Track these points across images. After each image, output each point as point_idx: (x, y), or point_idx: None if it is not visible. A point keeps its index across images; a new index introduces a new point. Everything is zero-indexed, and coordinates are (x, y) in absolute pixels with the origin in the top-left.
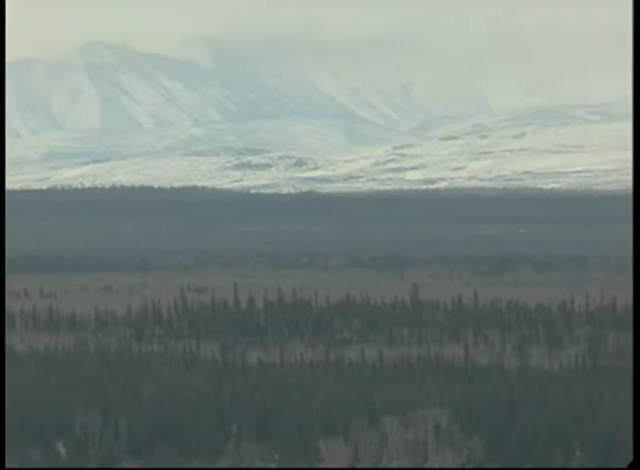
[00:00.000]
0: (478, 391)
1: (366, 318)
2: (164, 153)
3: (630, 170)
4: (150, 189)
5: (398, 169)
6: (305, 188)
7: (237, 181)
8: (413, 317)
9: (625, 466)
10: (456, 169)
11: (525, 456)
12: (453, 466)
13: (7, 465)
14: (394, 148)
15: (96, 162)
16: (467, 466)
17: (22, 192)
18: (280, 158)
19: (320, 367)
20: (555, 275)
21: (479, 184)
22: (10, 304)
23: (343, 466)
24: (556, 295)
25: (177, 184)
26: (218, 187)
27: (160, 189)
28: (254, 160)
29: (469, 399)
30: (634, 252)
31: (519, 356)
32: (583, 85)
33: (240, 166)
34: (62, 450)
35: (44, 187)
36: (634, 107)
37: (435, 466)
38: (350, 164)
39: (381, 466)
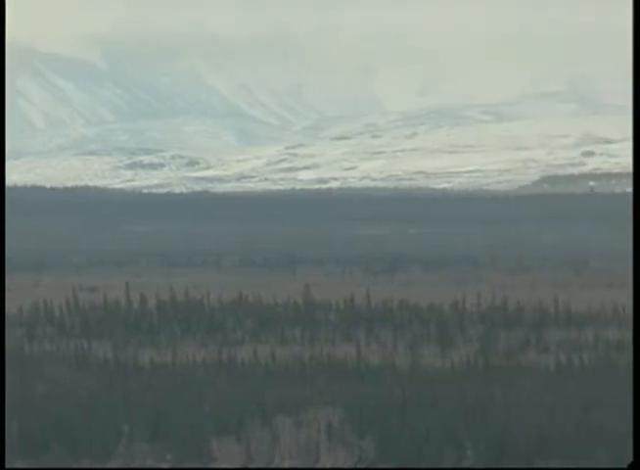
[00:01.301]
0: (370, 390)
1: (258, 318)
2: (56, 152)
3: (522, 170)
4: (42, 189)
5: (291, 169)
6: (198, 188)
7: (129, 181)
8: (305, 317)
9: (625, 466)
10: (348, 169)
11: (417, 456)
12: (345, 466)
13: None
14: (287, 148)
15: None
16: (358, 466)
17: None
18: (172, 157)
19: (212, 367)
20: (446, 275)
21: (371, 184)
22: None
23: (236, 466)
24: (447, 294)
25: (69, 184)
26: (110, 187)
27: (52, 189)
28: (146, 159)
29: (361, 398)
30: (634, 252)
31: (410, 356)
32: (475, 86)
33: (132, 166)
34: None
35: None
36: (634, 106)
37: (327, 466)
38: (243, 164)
39: (273, 466)
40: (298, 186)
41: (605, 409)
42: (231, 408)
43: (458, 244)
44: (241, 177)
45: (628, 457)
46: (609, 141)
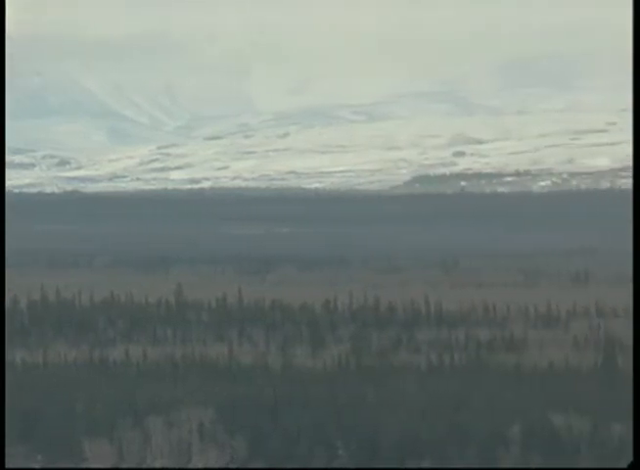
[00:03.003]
0: (241, 390)
1: (130, 318)
2: None
3: (393, 170)
4: None
5: (163, 169)
6: (69, 188)
7: None
8: (177, 317)
9: (626, 466)
10: (220, 169)
11: (289, 456)
12: (217, 466)
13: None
14: (159, 147)
15: None
16: (230, 466)
17: None
18: (43, 157)
19: (84, 367)
20: (319, 275)
21: (243, 184)
22: None
23: (108, 466)
24: (320, 294)
25: None
26: None
27: None
28: (17, 159)
29: (233, 398)
30: (634, 251)
31: (282, 356)
32: (347, 86)
33: None
34: None
35: None
36: (634, 107)
37: (199, 466)
38: (114, 164)
39: (144, 466)
40: (171, 186)
41: (475, 409)
42: (103, 408)
43: (330, 244)
44: (113, 177)
45: (499, 457)
46: (480, 141)
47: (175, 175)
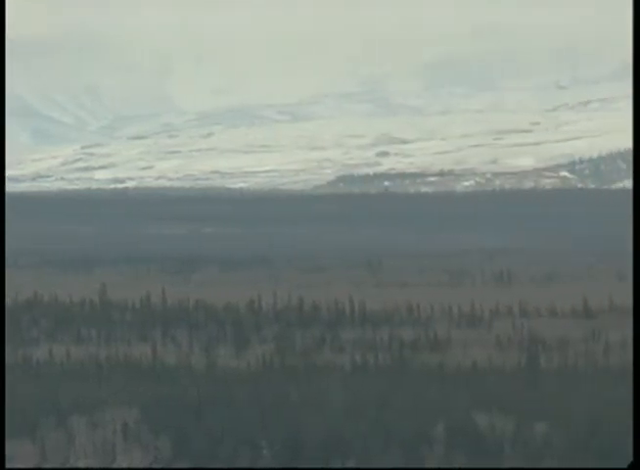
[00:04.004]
0: (165, 390)
1: (54, 317)
2: None
3: (317, 170)
4: None
5: (87, 169)
6: None
7: None
8: (101, 316)
9: (625, 466)
10: (144, 169)
11: (213, 455)
12: (141, 466)
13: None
14: (83, 147)
15: None
16: (154, 466)
17: None
18: None
19: (7, 366)
20: (242, 274)
21: (167, 184)
22: None
23: (30, 466)
24: (243, 294)
25: None
26: None
27: None
28: None
29: (157, 398)
30: (634, 251)
31: (206, 356)
32: (271, 85)
33: None
34: None
35: None
36: (634, 104)
37: (123, 466)
38: (38, 164)
39: (68, 466)
40: (95, 186)
41: (399, 409)
42: (25, 408)
43: (254, 244)
44: (36, 177)
45: (423, 456)
46: (403, 141)
47: (99, 175)
